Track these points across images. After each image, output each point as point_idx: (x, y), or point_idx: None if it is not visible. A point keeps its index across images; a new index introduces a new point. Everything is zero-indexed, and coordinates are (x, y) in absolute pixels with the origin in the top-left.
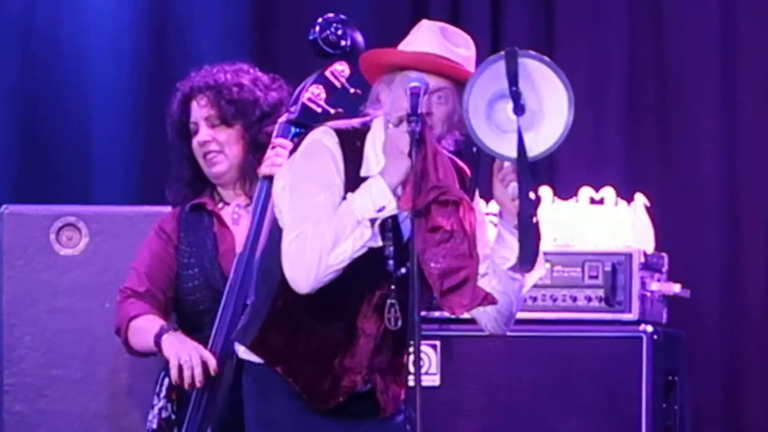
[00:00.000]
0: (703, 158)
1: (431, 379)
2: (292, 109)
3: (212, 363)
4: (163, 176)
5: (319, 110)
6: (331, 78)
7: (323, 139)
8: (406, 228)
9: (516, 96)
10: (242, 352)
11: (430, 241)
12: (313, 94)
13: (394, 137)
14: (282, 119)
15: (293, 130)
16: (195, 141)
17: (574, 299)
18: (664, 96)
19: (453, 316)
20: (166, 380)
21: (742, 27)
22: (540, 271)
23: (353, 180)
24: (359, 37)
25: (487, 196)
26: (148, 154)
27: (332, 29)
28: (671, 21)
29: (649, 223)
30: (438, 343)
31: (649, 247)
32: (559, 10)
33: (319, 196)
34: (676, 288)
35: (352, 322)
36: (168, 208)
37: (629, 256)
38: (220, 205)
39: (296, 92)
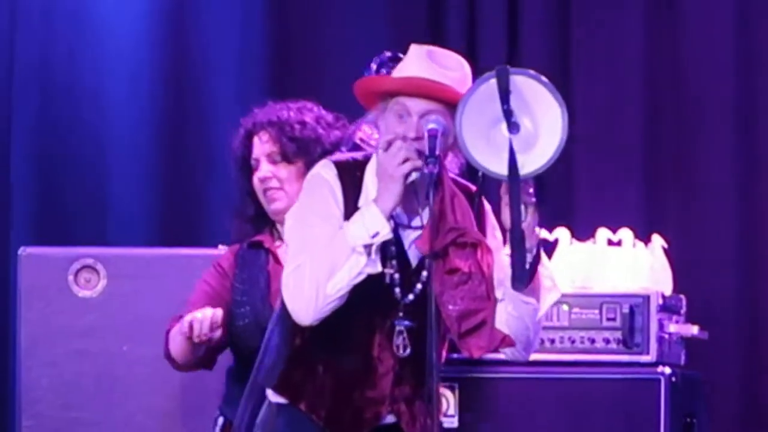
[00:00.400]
0: (721, 199)
1: (450, 421)
2: (343, 149)
3: (218, 317)
4: (182, 218)
5: (370, 150)
6: None
7: (322, 172)
8: (412, 254)
9: (508, 114)
10: (271, 395)
11: (448, 283)
12: (365, 133)
13: (383, 161)
14: None
15: None
16: (256, 177)
17: (592, 341)
18: (682, 138)
19: (472, 358)
20: (221, 419)
21: (761, 68)
22: (554, 294)
23: (352, 210)
24: None
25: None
26: (166, 196)
27: (388, 69)
28: (689, 63)
29: (666, 264)
30: (457, 384)
31: (667, 288)
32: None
33: (316, 228)
34: (694, 330)
35: (368, 353)
36: (187, 251)
37: (647, 298)
38: (278, 242)
39: (350, 131)
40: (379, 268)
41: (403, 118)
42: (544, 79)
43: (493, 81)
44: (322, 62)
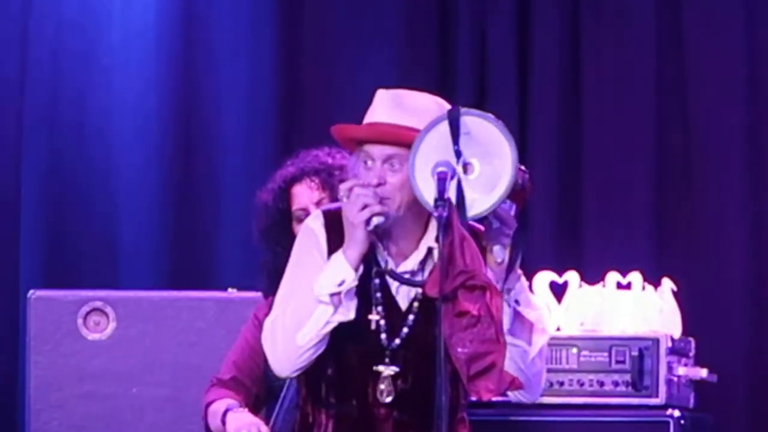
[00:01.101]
0: (731, 243)
1: None
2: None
3: None
4: (191, 260)
5: None
6: None
7: (310, 222)
8: (402, 298)
9: (458, 155)
10: None
11: (457, 326)
12: None
13: (345, 209)
14: None
15: None
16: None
17: (601, 384)
18: (691, 182)
19: (481, 401)
20: None
21: None
22: (545, 336)
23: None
24: None
25: None
26: (175, 239)
27: None
28: (698, 103)
29: (676, 307)
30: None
31: (676, 331)
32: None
33: (297, 280)
34: (703, 373)
35: (365, 400)
36: (197, 293)
37: (656, 341)
38: None
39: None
40: (351, 316)
41: (368, 164)
42: (494, 118)
43: (445, 123)
44: (331, 103)
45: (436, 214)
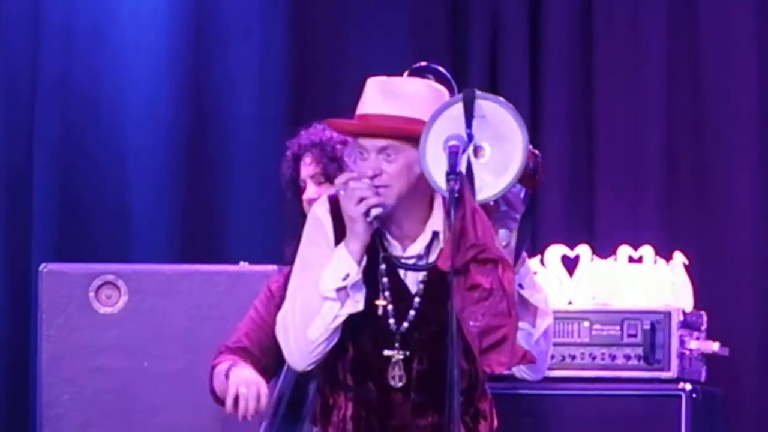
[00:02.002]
0: (742, 216)
1: None
2: None
3: (264, 398)
4: (202, 234)
5: None
6: None
7: (316, 209)
8: (411, 282)
9: (470, 138)
10: None
11: (469, 299)
12: None
13: (342, 203)
14: None
15: None
16: (304, 198)
17: (613, 357)
18: (702, 155)
19: (492, 374)
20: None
21: None
22: (548, 319)
23: (339, 243)
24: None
25: None
26: (186, 212)
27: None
28: (710, 80)
29: (687, 281)
30: None
31: (688, 305)
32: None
33: (306, 271)
34: (715, 346)
35: (381, 383)
36: (209, 267)
37: (668, 315)
38: None
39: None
40: (360, 307)
41: (363, 155)
42: (509, 105)
43: (458, 105)
44: (343, 80)
45: (447, 187)
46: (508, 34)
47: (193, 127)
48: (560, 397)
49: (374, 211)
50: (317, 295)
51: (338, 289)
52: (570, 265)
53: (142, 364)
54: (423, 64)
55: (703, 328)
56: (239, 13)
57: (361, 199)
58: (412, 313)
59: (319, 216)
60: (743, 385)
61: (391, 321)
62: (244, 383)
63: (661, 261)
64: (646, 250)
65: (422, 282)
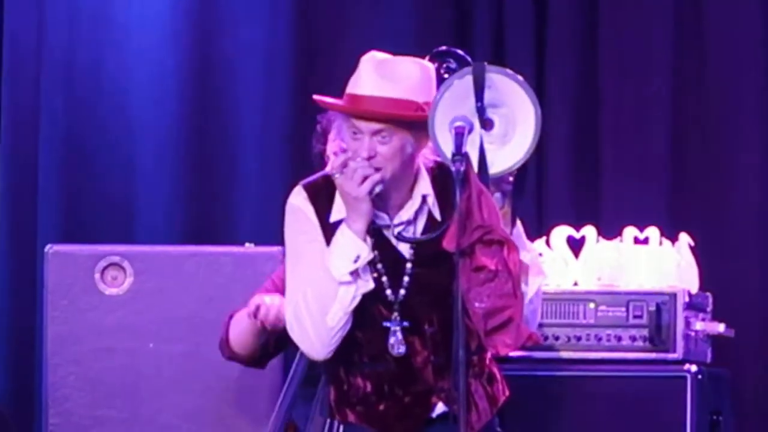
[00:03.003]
0: (748, 198)
1: None
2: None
3: (283, 319)
4: (207, 215)
5: None
6: None
7: (293, 200)
8: (405, 248)
9: (481, 111)
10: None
11: (475, 280)
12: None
13: (343, 184)
14: None
15: None
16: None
17: (619, 339)
18: (708, 137)
19: (498, 355)
20: None
21: None
22: (540, 278)
23: (327, 227)
24: None
25: None
26: (192, 193)
27: (446, 63)
28: (715, 64)
29: (693, 262)
30: None
31: (694, 286)
32: (602, 50)
33: (301, 263)
34: (721, 327)
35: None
36: (214, 248)
37: (674, 296)
38: None
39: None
40: (371, 286)
41: (357, 135)
42: (519, 77)
43: (469, 77)
44: (348, 63)
45: (453, 168)
46: (513, 12)
47: (198, 108)
48: (566, 378)
49: (377, 188)
50: (330, 282)
51: (351, 272)
52: (576, 246)
53: (147, 345)
54: (443, 48)
55: (709, 309)
56: None
57: (365, 178)
58: (406, 279)
59: (298, 205)
60: (749, 366)
61: (388, 291)
62: (269, 297)
63: (667, 242)
64: (652, 232)
65: (412, 247)
